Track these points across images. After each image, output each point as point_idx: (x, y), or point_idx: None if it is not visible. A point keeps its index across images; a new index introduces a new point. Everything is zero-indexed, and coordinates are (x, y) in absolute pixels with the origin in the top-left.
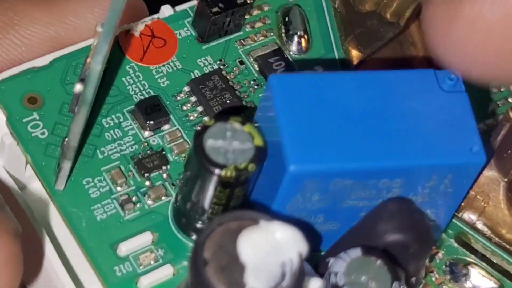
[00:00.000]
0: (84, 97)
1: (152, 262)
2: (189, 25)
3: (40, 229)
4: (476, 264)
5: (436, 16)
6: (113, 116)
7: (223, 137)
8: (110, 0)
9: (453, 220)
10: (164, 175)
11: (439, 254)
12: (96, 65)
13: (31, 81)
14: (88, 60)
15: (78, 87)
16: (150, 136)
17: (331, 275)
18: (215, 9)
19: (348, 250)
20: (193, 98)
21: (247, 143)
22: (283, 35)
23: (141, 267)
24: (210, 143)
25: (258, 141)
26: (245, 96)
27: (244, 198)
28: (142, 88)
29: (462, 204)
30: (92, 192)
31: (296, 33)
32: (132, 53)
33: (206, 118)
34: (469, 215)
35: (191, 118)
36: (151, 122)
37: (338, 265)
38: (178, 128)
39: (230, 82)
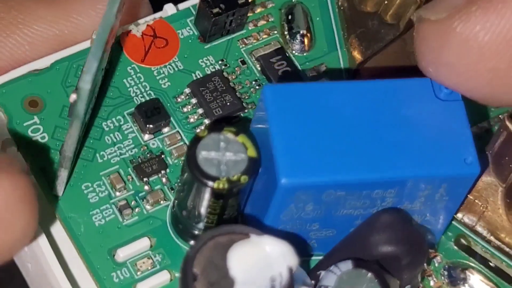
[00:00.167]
0: (75, 113)
1: (149, 267)
2: (191, 24)
3: (39, 234)
4: (474, 269)
5: (428, 35)
6: (113, 119)
7: (217, 148)
8: None
9: (453, 222)
10: (163, 179)
11: (438, 258)
12: (85, 85)
13: (32, 84)
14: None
15: (74, 97)
16: (150, 139)
17: None
18: (215, 10)
19: (339, 263)
20: (193, 100)
21: (241, 154)
22: (286, 33)
23: (138, 273)
24: (203, 154)
25: (252, 152)
26: (246, 97)
27: (239, 208)
28: (143, 90)
29: (461, 208)
30: (91, 197)
31: (299, 32)
32: (133, 54)
33: (198, 131)
34: (468, 218)
35: (191, 120)
36: (151, 125)
37: (329, 279)
38: (178, 131)
39: (231, 83)
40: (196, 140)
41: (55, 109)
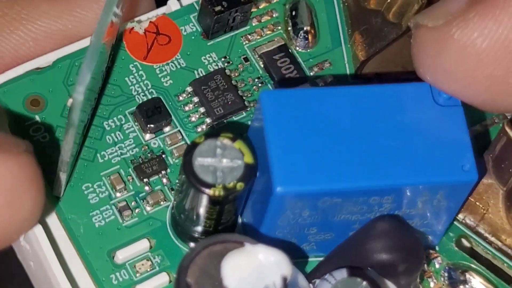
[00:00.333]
0: (70, 121)
1: (148, 269)
2: (194, 20)
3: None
4: (474, 271)
5: (426, 42)
6: (114, 118)
7: (213, 155)
8: None
9: (454, 223)
10: (164, 180)
11: (439, 259)
12: (78, 96)
13: (34, 82)
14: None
15: (71, 101)
16: (151, 138)
17: None
18: (218, 8)
19: (333, 271)
20: (195, 99)
21: (237, 161)
22: (289, 29)
23: (137, 275)
24: (199, 161)
25: (248, 159)
26: (249, 95)
27: (237, 212)
28: (145, 88)
29: (463, 209)
30: (91, 198)
31: (303, 28)
32: (136, 52)
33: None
34: (469, 220)
35: (193, 119)
36: (151, 125)
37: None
38: (179, 130)
39: (233, 81)
40: (192, 146)
41: (56, 108)
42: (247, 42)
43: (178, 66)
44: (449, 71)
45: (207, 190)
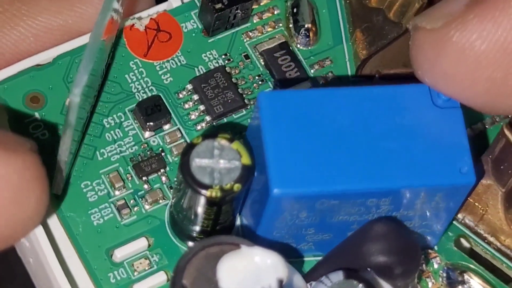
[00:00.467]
0: (67, 121)
1: (146, 268)
2: (195, 16)
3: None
4: (473, 271)
5: (424, 44)
6: (114, 116)
7: (210, 155)
8: None
9: (454, 222)
10: (163, 178)
11: (437, 259)
12: (75, 98)
13: (34, 79)
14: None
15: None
16: (151, 136)
17: None
18: (218, 6)
19: (330, 274)
20: (195, 97)
21: (234, 162)
22: (291, 26)
23: (135, 274)
24: (196, 162)
25: (246, 160)
26: (249, 93)
27: (234, 213)
28: (145, 86)
29: (462, 209)
30: (90, 195)
31: (304, 25)
32: (136, 49)
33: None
34: (468, 220)
35: (193, 117)
36: (151, 123)
37: None
38: (178, 128)
39: (233, 79)
40: (190, 147)
41: (56, 106)
42: (248, 39)
43: (179, 63)
44: (448, 73)
45: (204, 192)
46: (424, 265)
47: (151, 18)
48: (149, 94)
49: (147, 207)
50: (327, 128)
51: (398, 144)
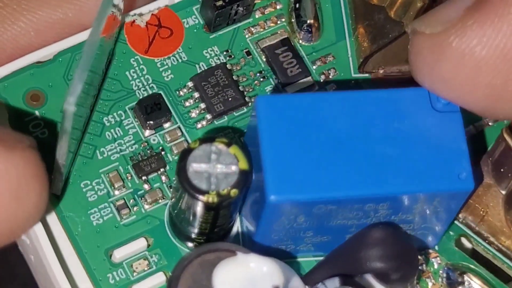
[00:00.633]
0: (62, 129)
1: (145, 268)
2: (197, 12)
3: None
4: (473, 272)
5: (423, 49)
6: (114, 114)
7: (208, 160)
8: None
9: (455, 222)
10: (163, 177)
11: (438, 259)
12: (69, 107)
13: (34, 77)
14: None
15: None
16: (151, 134)
17: None
18: (219, 3)
19: (326, 280)
20: (196, 94)
21: (232, 166)
22: (293, 21)
23: (134, 274)
24: (193, 167)
25: (243, 165)
26: (250, 90)
27: (232, 216)
28: (145, 83)
29: (463, 209)
30: (90, 195)
31: (306, 21)
32: (137, 45)
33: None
34: (469, 221)
35: (193, 115)
36: (151, 122)
37: None
38: (179, 126)
39: (234, 75)
40: (187, 152)
41: (56, 104)
42: (250, 35)
43: (180, 60)
44: (447, 79)
45: (200, 197)
46: (424, 265)
47: (152, 14)
48: (150, 92)
49: (146, 207)
50: (325, 133)
51: (397, 149)
